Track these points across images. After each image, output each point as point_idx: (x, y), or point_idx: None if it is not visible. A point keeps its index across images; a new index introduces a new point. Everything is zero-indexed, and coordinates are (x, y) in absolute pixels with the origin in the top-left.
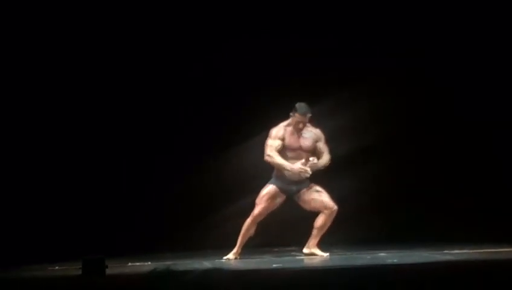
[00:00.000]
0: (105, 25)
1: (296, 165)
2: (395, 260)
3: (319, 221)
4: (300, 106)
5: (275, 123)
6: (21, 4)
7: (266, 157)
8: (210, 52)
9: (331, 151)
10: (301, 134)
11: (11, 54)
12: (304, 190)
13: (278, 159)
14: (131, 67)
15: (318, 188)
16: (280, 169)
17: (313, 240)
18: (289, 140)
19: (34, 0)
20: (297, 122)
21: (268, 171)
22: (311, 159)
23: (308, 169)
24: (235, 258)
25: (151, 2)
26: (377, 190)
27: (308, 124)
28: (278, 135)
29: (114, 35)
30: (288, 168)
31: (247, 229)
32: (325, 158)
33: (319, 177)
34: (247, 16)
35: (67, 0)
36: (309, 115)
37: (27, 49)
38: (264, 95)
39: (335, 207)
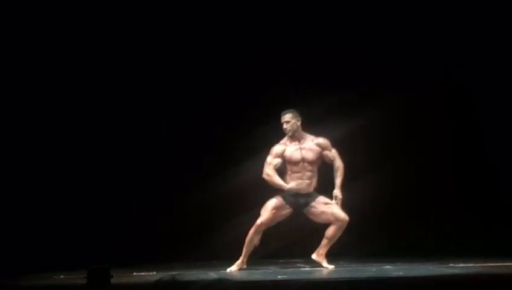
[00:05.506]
0: (106, 27)
1: (291, 185)
2: (400, 273)
3: (330, 231)
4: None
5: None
6: (21, 4)
7: (264, 176)
8: (211, 63)
9: (340, 155)
10: (303, 146)
11: (11, 54)
12: (312, 203)
13: (275, 179)
14: (130, 78)
15: (326, 200)
16: (277, 188)
17: (323, 249)
18: (290, 154)
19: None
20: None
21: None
22: (334, 197)
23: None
24: (240, 269)
25: (151, 4)
26: (382, 202)
27: (309, 135)
28: (277, 152)
29: (112, 42)
30: (285, 188)
31: (251, 239)
32: (339, 167)
33: (325, 188)
34: (261, 24)
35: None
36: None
37: (27, 49)
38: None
39: (346, 218)
